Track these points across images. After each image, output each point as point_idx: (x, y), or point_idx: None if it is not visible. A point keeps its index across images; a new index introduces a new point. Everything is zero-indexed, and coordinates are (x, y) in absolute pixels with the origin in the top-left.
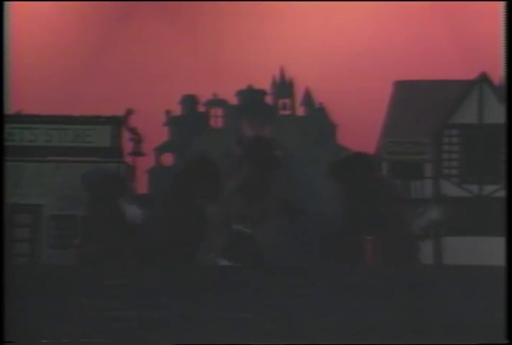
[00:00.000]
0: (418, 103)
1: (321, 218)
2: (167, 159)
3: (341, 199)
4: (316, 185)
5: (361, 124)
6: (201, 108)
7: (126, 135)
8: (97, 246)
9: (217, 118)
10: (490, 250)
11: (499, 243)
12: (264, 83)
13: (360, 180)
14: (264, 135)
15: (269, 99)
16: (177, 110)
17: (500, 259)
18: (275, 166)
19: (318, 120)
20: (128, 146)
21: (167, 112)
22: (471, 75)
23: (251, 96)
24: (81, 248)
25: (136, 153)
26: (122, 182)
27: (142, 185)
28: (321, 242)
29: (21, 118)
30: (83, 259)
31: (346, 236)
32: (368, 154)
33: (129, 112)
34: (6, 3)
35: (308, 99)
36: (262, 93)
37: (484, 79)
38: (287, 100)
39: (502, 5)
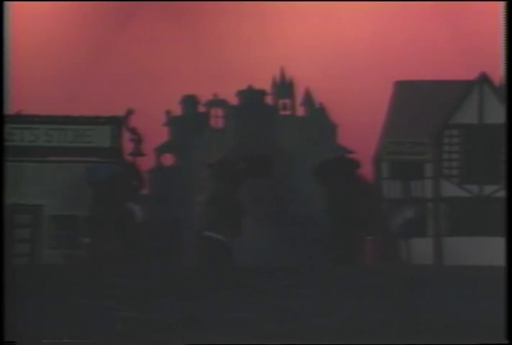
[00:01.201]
0: (419, 103)
1: (315, 218)
2: (167, 159)
3: (322, 200)
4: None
5: (361, 124)
6: (201, 109)
7: (126, 135)
8: (108, 245)
9: (217, 119)
10: (490, 250)
11: (499, 243)
12: (265, 84)
13: (340, 182)
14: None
15: (269, 99)
16: (177, 110)
17: (500, 259)
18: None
19: (318, 120)
20: (128, 146)
21: (168, 112)
22: (471, 75)
23: (251, 96)
24: (92, 247)
25: (137, 153)
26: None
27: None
28: (310, 242)
29: (22, 119)
30: (95, 258)
31: (329, 237)
32: (349, 158)
33: (129, 112)
34: (6, 3)
35: (308, 99)
36: (262, 93)
37: (484, 79)
38: (287, 101)
39: (502, 5)
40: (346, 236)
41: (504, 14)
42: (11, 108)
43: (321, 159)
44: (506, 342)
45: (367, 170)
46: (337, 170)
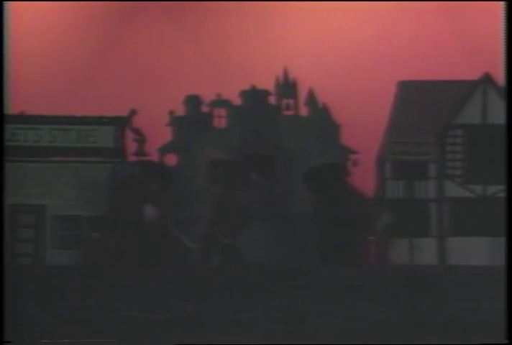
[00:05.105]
0: (422, 103)
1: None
2: (171, 159)
3: (312, 204)
4: None
5: (364, 124)
6: (205, 109)
7: (129, 135)
8: (116, 243)
9: (221, 119)
10: (492, 250)
11: (502, 243)
12: (268, 84)
13: (328, 188)
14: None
15: (272, 99)
16: (180, 110)
17: (502, 260)
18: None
19: (321, 120)
20: (132, 146)
21: (171, 112)
22: (474, 75)
23: (254, 97)
24: (100, 243)
25: (140, 153)
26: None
27: None
28: (310, 243)
29: (25, 119)
30: (101, 254)
31: (324, 238)
32: (337, 163)
33: (133, 112)
34: (7, 4)
35: (311, 99)
36: (265, 93)
37: (487, 79)
38: (290, 101)
39: (502, 5)
40: (338, 237)
41: (504, 13)
42: (14, 108)
43: (309, 166)
44: (506, 342)
45: (370, 170)
46: (325, 176)
